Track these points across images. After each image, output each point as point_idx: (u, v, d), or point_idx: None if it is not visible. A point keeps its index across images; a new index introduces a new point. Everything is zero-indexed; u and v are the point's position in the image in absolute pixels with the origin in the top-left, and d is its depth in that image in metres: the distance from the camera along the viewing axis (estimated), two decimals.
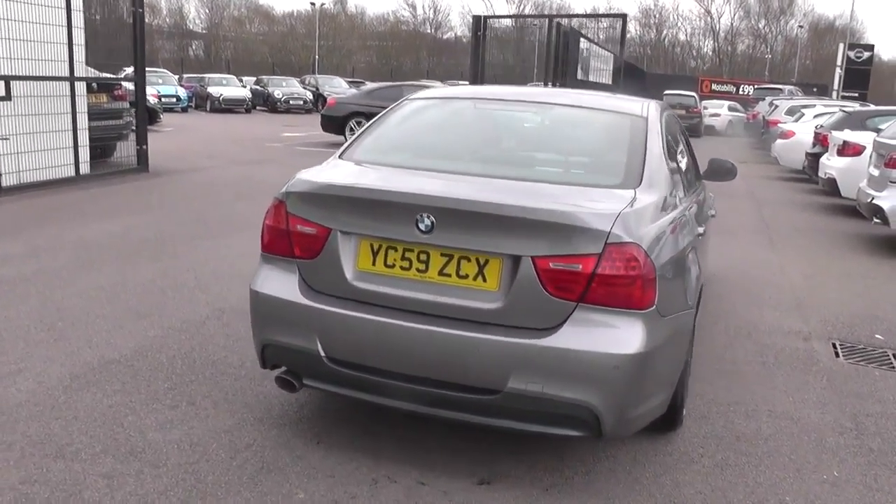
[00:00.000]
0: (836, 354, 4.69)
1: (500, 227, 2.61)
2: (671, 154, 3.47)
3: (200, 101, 28.64)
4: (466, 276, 2.67)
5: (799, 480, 3.09)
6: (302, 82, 33.71)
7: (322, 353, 2.80)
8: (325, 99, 31.22)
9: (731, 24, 74.46)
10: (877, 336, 5.09)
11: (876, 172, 7.94)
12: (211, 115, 26.51)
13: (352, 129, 15.60)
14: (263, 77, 33.08)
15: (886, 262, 7.41)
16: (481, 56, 13.56)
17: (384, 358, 2.74)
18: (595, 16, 14.72)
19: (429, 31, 75.24)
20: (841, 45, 42.80)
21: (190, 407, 3.40)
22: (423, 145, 3.49)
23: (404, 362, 2.71)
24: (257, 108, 29.55)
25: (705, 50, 76.60)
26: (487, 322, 2.65)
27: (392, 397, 2.79)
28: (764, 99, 28.22)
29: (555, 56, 13.72)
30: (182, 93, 27.11)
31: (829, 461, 3.28)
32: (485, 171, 3.15)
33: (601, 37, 15.58)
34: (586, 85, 16.19)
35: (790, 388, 4.08)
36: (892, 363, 4.61)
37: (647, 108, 3.56)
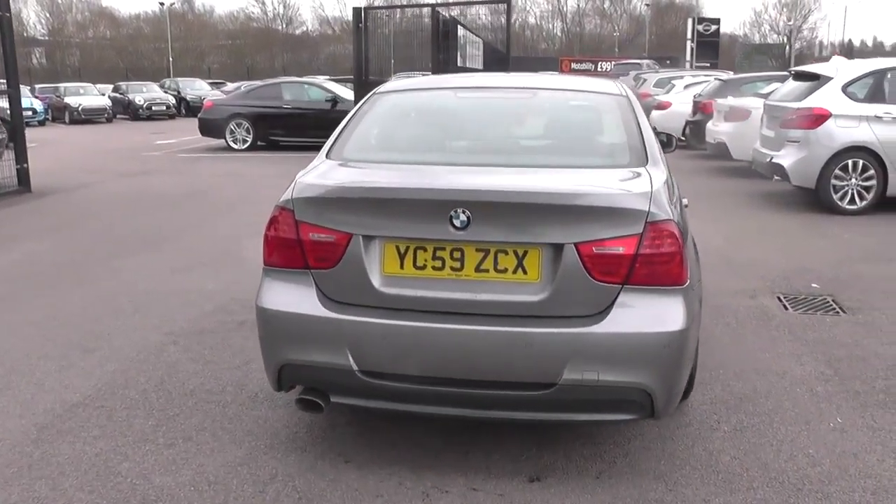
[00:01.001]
0: (785, 307, 4.94)
1: (540, 217, 2.53)
2: (654, 130, 3.50)
3: (58, 113, 26.55)
4: (505, 270, 2.57)
5: (812, 432, 3.22)
6: (162, 87, 31.98)
7: (355, 367, 2.62)
8: (188, 103, 29.91)
9: (578, 5, 77.17)
10: (813, 285, 5.40)
11: (771, 133, 8.44)
12: (72, 127, 24.64)
13: (232, 132, 14.97)
14: (122, 84, 31.11)
15: (793, 216, 7.91)
16: (364, 48, 13.28)
17: (425, 364, 2.59)
18: (477, 2, 14.73)
19: (280, 26, 73.55)
20: (690, 20, 45.44)
21: (188, 443, 3.11)
22: (419, 139, 3.34)
23: (449, 367, 2.58)
24: (118, 116, 27.77)
25: (555, 31, 79.05)
26: (532, 315, 2.56)
27: (436, 404, 2.66)
28: (627, 74, 29.49)
29: (437, 45, 13.68)
30: (38, 105, 25.04)
31: (828, 409, 3.44)
32: (497, 160, 3.05)
33: (481, 22, 15.75)
34: (465, 71, 16.29)
35: (762, 345, 4.25)
36: (835, 308, 4.91)
37: (622, 87, 3.58)
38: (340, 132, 3.30)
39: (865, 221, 7.52)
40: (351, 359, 2.61)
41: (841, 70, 7.88)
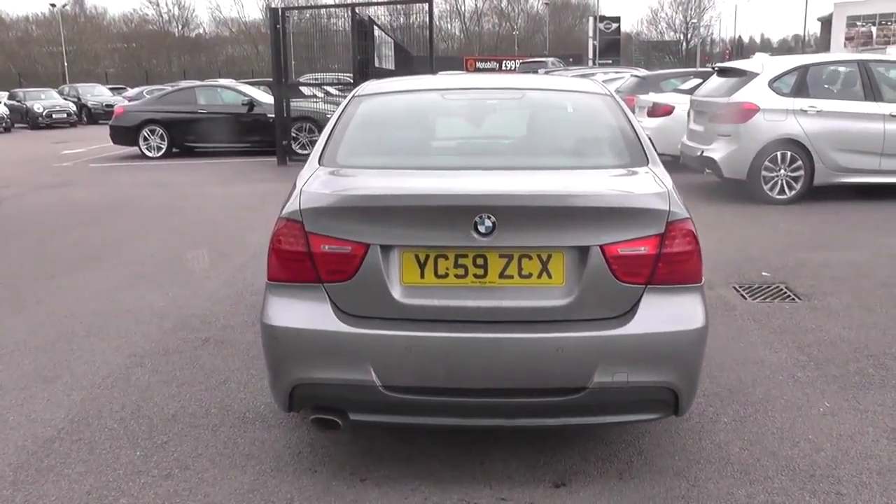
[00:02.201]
0: (743, 297, 5.10)
1: (565, 219, 2.50)
2: None
3: None
4: (530, 276, 2.53)
5: (805, 417, 3.32)
6: (61, 93, 30.33)
7: (378, 383, 2.51)
8: (89, 110, 28.49)
9: (476, 5, 78.02)
10: (763, 273, 5.61)
11: (700, 128, 8.73)
12: None
13: (146, 139, 14.34)
14: (18, 91, 29.25)
15: (726, 207, 8.20)
16: (283, 50, 12.96)
17: (453, 375, 2.51)
18: (398, 2, 14.59)
19: (176, 29, 71.25)
20: (591, 18, 46.74)
21: (186, 472, 2.92)
22: (418, 142, 3.24)
23: (477, 377, 2.51)
24: (16, 125, 26.15)
25: (454, 31, 79.56)
26: (558, 319, 2.53)
27: (462, 416, 2.59)
28: (537, 72, 30.02)
29: (357, 46, 13.51)
30: None
31: (814, 395, 3.56)
32: (503, 163, 3.00)
33: (401, 22, 15.62)
34: (381, 73, 16.17)
35: (734, 335, 4.37)
36: (790, 295, 5.11)
37: (605, 87, 3.60)
38: (329, 137, 3.17)
39: (796, 210, 7.88)
40: (374, 374, 2.51)
41: (767, 66, 8.23)
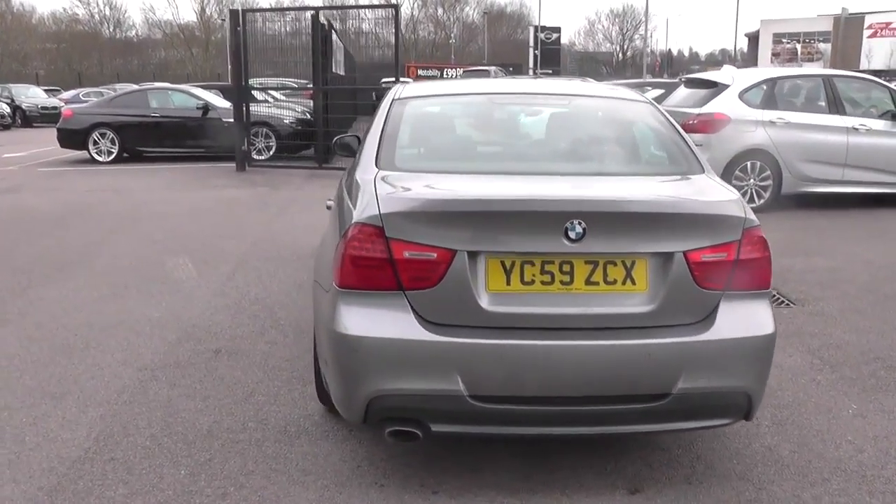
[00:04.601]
0: None
1: (651, 226, 2.51)
2: None
3: None
4: (614, 282, 2.52)
5: (838, 419, 3.42)
6: None
7: (465, 392, 2.46)
8: (24, 112, 27.20)
9: (412, 13, 78.19)
10: None
11: None
12: None
13: (96, 143, 13.79)
14: None
15: None
16: (244, 54, 12.69)
17: (541, 384, 2.48)
18: (364, 7, 14.47)
19: (107, 30, 69.01)
20: (532, 28, 47.43)
21: (242, 490, 2.78)
22: (481, 146, 3.20)
23: (568, 384, 2.49)
24: None
25: (389, 37, 79.43)
26: (642, 326, 2.53)
27: (547, 425, 2.56)
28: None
29: (318, 51, 13.36)
30: None
31: (840, 398, 3.67)
32: (576, 169, 2.99)
33: (365, 28, 15.51)
34: (342, 79, 16.03)
35: None
36: (785, 301, 5.27)
37: (642, 93, 3.65)
38: (381, 140, 3.08)
39: (769, 219, 8.00)
40: (461, 383, 2.45)
41: (737, 78, 8.50)
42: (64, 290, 5.50)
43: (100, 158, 13.76)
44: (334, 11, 12.87)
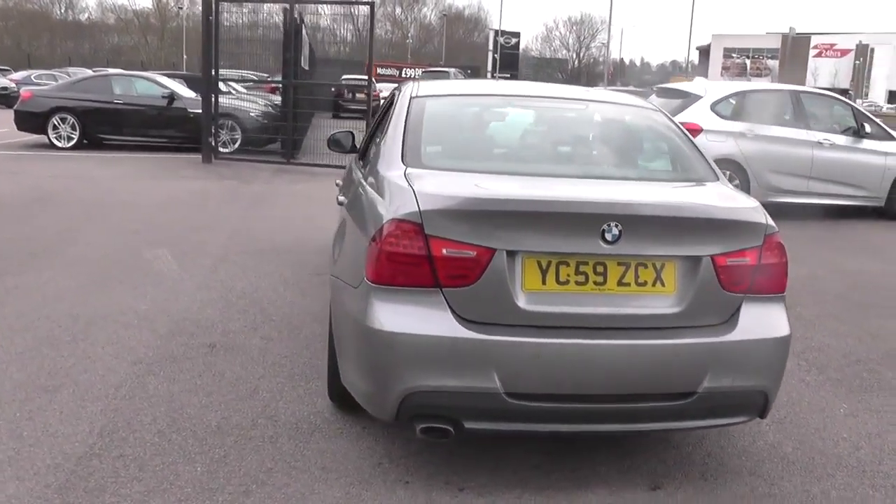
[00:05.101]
0: None
1: (682, 230, 2.58)
2: None
3: None
4: (645, 283, 2.58)
5: (832, 418, 3.58)
6: None
7: (501, 390, 2.48)
8: None
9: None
10: None
11: None
12: None
13: (56, 128, 13.36)
14: None
15: None
16: (215, 44, 12.46)
17: (575, 382, 2.53)
18: (339, 2, 14.33)
19: (58, 11, 66.99)
20: (492, 32, 47.76)
21: (265, 487, 2.74)
22: (508, 147, 3.23)
23: (602, 383, 2.54)
24: None
25: (346, 35, 79.07)
26: (669, 326, 2.60)
27: (579, 422, 2.61)
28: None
29: (290, 45, 13.22)
30: None
31: (829, 398, 3.82)
32: (606, 173, 3.07)
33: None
34: (305, 74, 15.89)
35: None
36: None
37: (648, 100, 3.73)
38: (404, 137, 3.07)
39: None
40: (497, 381, 2.47)
41: (709, 90, 8.73)
42: (40, 280, 5.33)
43: (59, 144, 13.32)
44: (297, 5, 12.64)
